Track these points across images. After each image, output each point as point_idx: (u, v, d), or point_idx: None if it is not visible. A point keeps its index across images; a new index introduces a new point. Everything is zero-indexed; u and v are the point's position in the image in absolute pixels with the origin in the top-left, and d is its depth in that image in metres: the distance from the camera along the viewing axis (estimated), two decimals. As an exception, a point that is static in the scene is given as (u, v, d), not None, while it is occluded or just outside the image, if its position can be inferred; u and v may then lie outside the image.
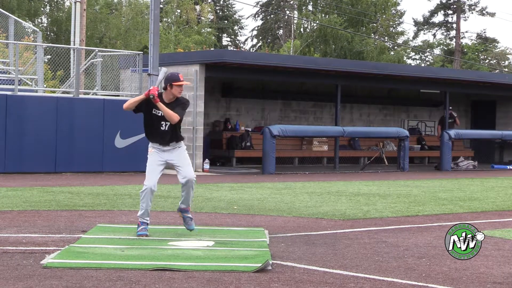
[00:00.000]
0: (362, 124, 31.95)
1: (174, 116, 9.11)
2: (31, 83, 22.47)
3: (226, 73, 25.27)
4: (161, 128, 9.22)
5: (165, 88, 9.24)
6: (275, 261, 7.56)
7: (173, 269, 7.04)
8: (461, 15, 64.34)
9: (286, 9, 69.05)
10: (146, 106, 9.26)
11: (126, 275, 6.77)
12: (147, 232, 9.06)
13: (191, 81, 23.30)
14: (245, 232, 9.69)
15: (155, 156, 9.27)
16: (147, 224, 9.14)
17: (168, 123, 9.17)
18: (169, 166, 9.38)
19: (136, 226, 9.20)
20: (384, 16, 55.88)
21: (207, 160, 23.27)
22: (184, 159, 9.32)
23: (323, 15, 54.90)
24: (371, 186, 18.37)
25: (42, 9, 51.63)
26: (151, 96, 9.09)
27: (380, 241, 9.28)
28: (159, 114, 9.20)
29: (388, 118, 33.08)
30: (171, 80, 9.17)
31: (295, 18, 59.02)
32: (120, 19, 52.75)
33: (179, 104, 9.23)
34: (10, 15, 24.12)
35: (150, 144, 9.38)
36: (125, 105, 9.42)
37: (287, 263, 7.54)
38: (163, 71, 9.64)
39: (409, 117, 33.81)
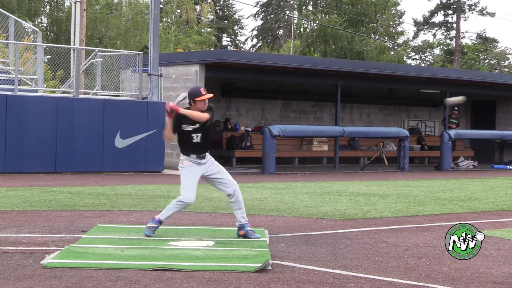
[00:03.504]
0: (362, 124, 31.95)
1: (201, 115, 9.04)
2: (31, 83, 22.46)
3: (226, 73, 25.26)
4: (193, 140, 9.14)
5: (189, 104, 9.12)
6: (275, 261, 7.56)
7: (173, 269, 7.04)
8: (461, 15, 64.35)
9: (286, 9, 69.04)
10: (177, 123, 9.13)
11: (126, 275, 6.78)
12: (153, 234, 9.08)
13: (191, 81, 23.30)
14: (245, 232, 9.68)
15: (193, 168, 9.12)
16: (159, 225, 9.15)
17: (200, 135, 9.11)
18: (202, 180, 9.29)
19: (143, 225, 9.15)
20: (384, 16, 55.87)
21: (207, 160, 23.22)
22: (222, 169, 9.30)
23: (323, 15, 54.90)
24: (371, 186, 18.37)
25: (42, 9, 51.62)
26: (169, 110, 8.99)
27: (380, 241, 9.28)
28: (189, 129, 9.11)
29: (388, 118, 33.08)
30: (193, 95, 9.06)
31: (295, 18, 59.00)
32: (120, 19, 52.74)
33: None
34: (10, 15, 24.10)
35: (185, 158, 9.20)
36: (166, 139, 9.46)
37: (287, 263, 7.54)
38: (183, 95, 9.46)
39: (409, 117, 33.82)
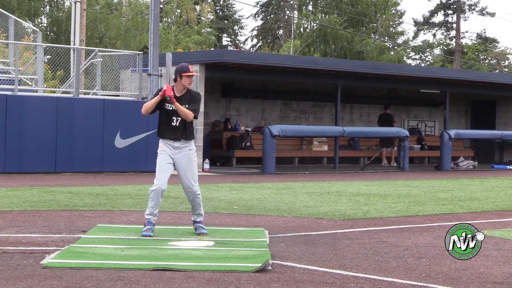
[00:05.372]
0: (362, 124, 31.94)
1: (189, 114, 9.14)
2: (31, 83, 22.46)
3: (226, 73, 25.25)
4: (172, 123, 9.18)
5: (175, 80, 9.26)
6: (275, 261, 7.55)
7: (173, 269, 7.04)
8: (461, 15, 64.35)
9: (286, 9, 69.04)
10: (161, 100, 9.20)
11: (126, 275, 6.77)
12: (152, 233, 9.08)
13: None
14: (245, 232, 9.69)
15: (166, 153, 9.20)
16: (154, 224, 9.16)
17: (180, 119, 9.16)
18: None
19: (143, 226, 9.23)
20: (384, 16, 55.87)
21: (207, 160, 23.26)
22: (191, 168, 9.23)
23: (323, 15, 54.90)
24: (371, 186, 18.36)
25: (42, 9, 51.61)
26: (168, 98, 9.06)
27: (380, 241, 9.28)
28: (170, 109, 9.16)
29: (388, 118, 33.04)
30: (180, 71, 9.22)
31: (295, 18, 59.01)
32: (120, 19, 52.75)
33: (191, 99, 9.24)
34: (10, 15, 24.10)
35: (161, 140, 9.28)
36: (143, 111, 9.37)
37: (287, 263, 7.54)
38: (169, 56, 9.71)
39: (409, 117, 33.81)
